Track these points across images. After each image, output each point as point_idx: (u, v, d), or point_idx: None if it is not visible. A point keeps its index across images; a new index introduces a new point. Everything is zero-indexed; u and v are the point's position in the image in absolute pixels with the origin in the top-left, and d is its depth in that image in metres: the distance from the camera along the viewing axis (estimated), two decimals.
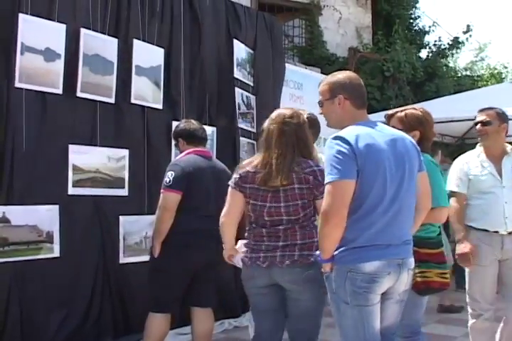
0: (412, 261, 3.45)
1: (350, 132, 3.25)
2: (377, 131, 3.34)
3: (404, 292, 3.46)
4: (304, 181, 3.71)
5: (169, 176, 4.60)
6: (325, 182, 3.22)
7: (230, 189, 3.87)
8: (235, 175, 3.84)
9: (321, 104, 3.55)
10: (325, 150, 3.27)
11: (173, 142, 5.22)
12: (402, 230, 3.40)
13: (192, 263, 4.69)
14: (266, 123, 3.89)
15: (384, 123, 3.81)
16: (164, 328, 4.74)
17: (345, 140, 3.18)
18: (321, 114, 3.59)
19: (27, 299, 4.93)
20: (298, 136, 3.81)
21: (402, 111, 4.11)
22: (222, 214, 3.90)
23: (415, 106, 4.19)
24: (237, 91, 6.95)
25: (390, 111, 4.24)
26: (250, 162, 3.85)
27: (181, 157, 4.87)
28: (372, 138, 3.26)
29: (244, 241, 3.87)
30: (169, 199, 4.61)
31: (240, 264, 3.90)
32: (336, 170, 3.15)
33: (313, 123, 4.82)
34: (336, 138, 3.22)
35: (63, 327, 5.10)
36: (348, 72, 3.63)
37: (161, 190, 4.62)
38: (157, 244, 4.64)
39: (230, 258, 3.98)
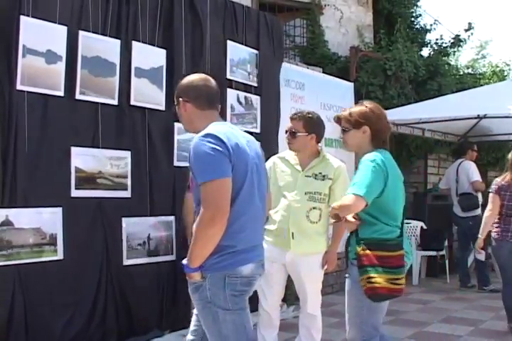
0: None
1: (218, 130, 3.24)
2: (236, 131, 3.39)
3: None
4: None
5: None
6: (202, 181, 3.12)
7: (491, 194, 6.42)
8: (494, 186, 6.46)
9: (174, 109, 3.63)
10: (194, 148, 3.20)
11: None
12: (261, 230, 3.49)
13: None
14: None
15: None
16: None
17: (217, 137, 3.16)
18: None
19: (31, 302, 4.93)
20: None
21: (346, 110, 4.14)
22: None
23: (369, 102, 4.17)
24: (231, 92, 6.92)
25: (338, 114, 4.27)
26: (504, 177, 6.49)
27: None
28: (236, 137, 3.29)
29: None
30: None
31: None
32: (214, 169, 3.10)
33: (317, 122, 4.86)
34: (206, 135, 3.18)
35: (67, 329, 5.10)
36: (197, 74, 3.64)
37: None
38: None
39: None
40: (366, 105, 4.08)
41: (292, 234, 4.84)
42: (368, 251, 3.78)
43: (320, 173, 4.87)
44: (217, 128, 3.27)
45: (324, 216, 4.88)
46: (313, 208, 4.83)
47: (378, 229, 3.87)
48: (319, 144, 5.05)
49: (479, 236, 6.75)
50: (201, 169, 3.15)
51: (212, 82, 3.55)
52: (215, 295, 3.23)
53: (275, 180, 4.96)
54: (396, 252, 3.83)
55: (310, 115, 4.95)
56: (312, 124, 4.89)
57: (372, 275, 3.75)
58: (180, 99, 3.47)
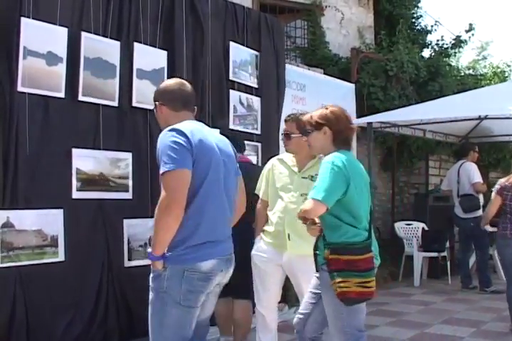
0: (234, 256, 3.66)
1: (184, 126, 3.44)
2: (206, 130, 3.60)
3: (222, 284, 3.64)
4: None
5: None
6: (162, 171, 3.29)
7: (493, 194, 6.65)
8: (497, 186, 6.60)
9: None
10: (159, 141, 3.43)
11: None
12: (227, 226, 3.62)
13: None
14: None
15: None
16: (249, 313, 5.37)
17: (182, 132, 3.36)
18: None
19: (32, 303, 4.92)
20: None
21: (308, 113, 4.27)
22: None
23: (332, 105, 4.25)
24: (233, 93, 6.93)
25: (301, 117, 4.42)
26: (508, 178, 6.61)
27: None
28: (203, 134, 3.48)
29: None
30: None
31: None
32: (173, 160, 3.26)
33: None
34: (172, 130, 3.40)
35: (69, 331, 5.09)
36: (173, 79, 3.96)
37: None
38: None
39: None
40: (327, 107, 4.17)
41: (288, 235, 4.83)
42: (336, 256, 3.79)
43: (316, 175, 4.84)
44: (184, 124, 3.47)
45: (320, 217, 4.86)
46: None
47: (345, 232, 3.86)
48: None
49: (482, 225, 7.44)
50: (163, 160, 3.31)
51: (187, 85, 3.77)
52: (170, 286, 3.34)
53: (273, 181, 4.97)
54: (364, 255, 3.83)
55: (323, 109, 4.92)
56: (327, 118, 4.86)
57: (341, 279, 3.76)
58: (157, 103, 3.72)
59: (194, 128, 3.46)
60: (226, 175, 3.56)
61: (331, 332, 4.06)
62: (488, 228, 7.81)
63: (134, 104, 5.73)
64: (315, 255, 4.05)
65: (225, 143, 3.70)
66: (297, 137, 4.81)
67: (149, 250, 3.39)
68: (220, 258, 3.45)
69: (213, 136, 3.61)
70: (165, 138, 3.38)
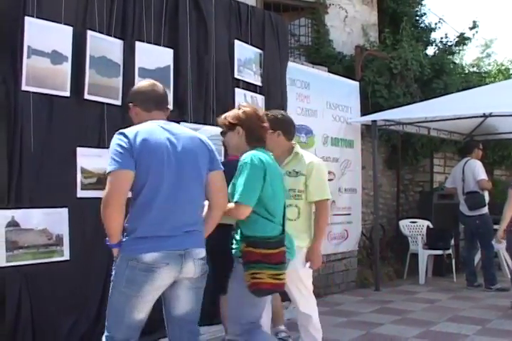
0: (199, 251, 3.71)
1: (132, 128, 3.63)
2: (162, 129, 3.70)
3: (197, 279, 3.74)
4: None
5: None
6: (107, 171, 3.55)
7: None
8: None
9: None
10: (111, 144, 3.63)
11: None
12: (184, 221, 3.65)
13: None
14: None
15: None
16: (277, 302, 5.46)
17: (125, 134, 3.56)
18: None
19: (38, 302, 4.92)
20: None
21: (223, 115, 4.39)
22: None
23: (246, 105, 4.48)
24: (239, 91, 6.94)
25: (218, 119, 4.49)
26: None
27: None
28: (152, 134, 3.61)
29: None
30: None
31: None
32: (114, 162, 3.50)
33: (280, 119, 5.00)
34: (119, 133, 3.61)
35: (74, 330, 5.09)
36: (146, 80, 4.11)
37: None
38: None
39: None
40: (240, 108, 4.33)
41: None
42: (251, 249, 3.97)
43: (293, 170, 4.96)
44: (138, 126, 3.68)
45: (303, 213, 4.93)
46: (289, 205, 4.84)
47: (261, 226, 4.05)
48: (293, 142, 5.11)
49: (499, 229, 7.20)
50: (108, 162, 3.55)
51: (159, 86, 3.98)
52: (117, 272, 3.62)
53: None
54: (278, 249, 4.01)
55: (272, 114, 5.01)
56: (275, 122, 4.92)
57: (256, 271, 3.94)
58: (130, 104, 3.91)
59: (144, 129, 3.63)
60: (183, 170, 3.66)
61: (228, 321, 4.33)
62: (500, 246, 7.75)
63: None
64: (231, 248, 4.19)
65: (193, 140, 3.79)
66: (268, 134, 4.90)
67: (107, 238, 3.63)
68: (166, 252, 3.55)
69: (171, 133, 3.70)
70: (112, 141, 3.61)
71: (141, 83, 4.02)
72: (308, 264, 4.93)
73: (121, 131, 3.63)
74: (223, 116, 4.34)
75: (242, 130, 4.22)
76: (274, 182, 4.14)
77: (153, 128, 3.67)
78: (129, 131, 3.59)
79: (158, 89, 3.94)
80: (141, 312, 3.64)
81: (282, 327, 5.89)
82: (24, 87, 4.90)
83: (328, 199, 4.99)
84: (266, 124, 4.33)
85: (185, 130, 3.87)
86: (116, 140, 3.57)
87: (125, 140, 3.54)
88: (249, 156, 4.07)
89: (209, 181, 3.81)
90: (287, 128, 5.02)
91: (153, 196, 3.55)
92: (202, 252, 3.75)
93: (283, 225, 4.21)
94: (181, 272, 3.63)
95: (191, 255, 3.66)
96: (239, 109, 4.32)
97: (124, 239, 3.59)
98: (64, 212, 5.10)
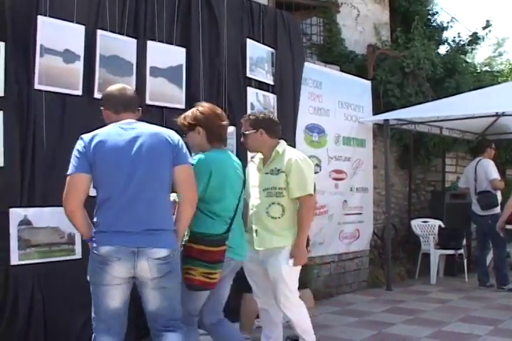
0: (157, 251, 3.73)
1: (92, 132, 3.81)
2: (122, 130, 3.83)
3: (160, 279, 3.78)
4: None
5: None
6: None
7: None
8: None
9: None
10: None
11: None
12: (141, 219, 3.74)
13: None
14: None
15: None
16: (308, 303, 5.52)
17: (82, 139, 3.78)
18: None
19: (50, 300, 4.95)
20: None
21: (182, 115, 4.52)
22: None
23: (203, 104, 4.55)
24: (251, 90, 6.94)
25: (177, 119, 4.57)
26: None
27: None
28: (109, 135, 3.78)
29: None
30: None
31: None
32: (71, 166, 3.74)
33: (263, 118, 5.05)
34: (79, 138, 3.82)
35: (86, 328, 5.07)
36: (116, 84, 4.25)
37: None
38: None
39: None
40: (198, 108, 4.44)
41: (256, 231, 4.97)
42: (191, 244, 4.11)
43: (275, 168, 5.01)
44: (98, 130, 3.85)
45: (288, 210, 4.93)
46: (272, 203, 4.92)
47: (203, 223, 4.18)
48: (279, 140, 5.13)
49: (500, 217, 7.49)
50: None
51: (129, 90, 4.15)
52: (89, 263, 3.85)
53: (248, 181, 5.07)
54: (218, 248, 4.12)
55: (252, 114, 5.12)
56: (257, 121, 5.01)
57: (190, 267, 4.10)
58: (102, 108, 4.09)
59: (102, 132, 3.80)
60: (144, 168, 3.75)
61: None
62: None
63: (148, 101, 5.72)
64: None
65: (155, 137, 3.85)
66: (251, 133, 4.99)
67: None
68: (118, 246, 3.68)
69: (131, 133, 3.81)
70: (75, 146, 3.83)
71: (110, 88, 4.16)
72: (291, 261, 4.90)
73: (81, 135, 3.82)
74: (182, 116, 4.46)
75: (202, 129, 4.34)
76: (224, 181, 4.26)
77: (111, 130, 3.83)
78: (87, 136, 3.79)
79: (126, 92, 4.10)
80: (113, 300, 3.80)
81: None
82: (37, 86, 4.92)
83: (311, 194, 4.94)
84: (225, 122, 4.45)
85: (149, 127, 3.94)
86: (76, 145, 3.79)
87: (82, 144, 3.75)
88: (197, 157, 4.27)
89: (174, 176, 3.88)
90: (269, 126, 5.04)
91: (110, 194, 3.74)
92: (160, 252, 3.76)
93: (229, 225, 4.27)
94: (136, 269, 3.72)
95: (145, 254, 3.71)
96: (197, 109, 4.42)
97: (93, 233, 3.83)
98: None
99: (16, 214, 4.81)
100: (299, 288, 5.22)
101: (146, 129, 3.90)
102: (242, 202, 4.56)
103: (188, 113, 4.44)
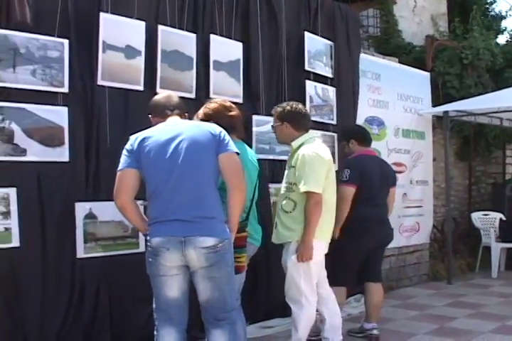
0: (204, 239, 3.74)
1: (140, 132, 3.98)
2: (166, 127, 4.00)
3: (209, 269, 3.81)
4: None
5: (345, 173, 5.63)
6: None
7: None
8: None
9: None
10: None
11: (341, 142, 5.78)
12: (187, 209, 3.79)
13: (365, 245, 5.69)
14: None
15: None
16: (339, 299, 5.38)
17: (130, 138, 3.97)
18: None
19: (115, 293, 5.06)
20: None
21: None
22: None
23: (214, 101, 4.66)
24: (310, 84, 6.92)
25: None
26: None
27: (354, 157, 5.87)
28: (153, 132, 3.94)
29: None
30: (346, 192, 5.53)
31: None
32: (121, 163, 3.91)
33: (289, 111, 5.06)
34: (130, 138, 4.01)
35: (151, 320, 5.12)
36: (163, 93, 4.46)
37: (339, 184, 5.28)
38: (337, 230, 5.41)
39: None
40: (207, 105, 4.58)
41: (276, 224, 5.00)
42: None
43: (290, 163, 4.96)
44: (146, 130, 4.01)
45: (300, 205, 4.83)
46: (286, 198, 4.91)
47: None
48: (306, 134, 5.04)
49: None
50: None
51: (174, 96, 4.29)
52: (145, 256, 3.93)
53: None
54: (240, 234, 4.16)
55: (280, 106, 5.10)
56: (284, 113, 5.01)
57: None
58: (150, 116, 4.24)
59: (148, 131, 3.97)
60: (188, 160, 3.82)
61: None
62: None
63: (212, 95, 5.74)
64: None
65: (197, 129, 3.96)
66: (277, 126, 5.02)
67: None
68: (167, 237, 3.76)
69: (172, 130, 3.93)
70: None
71: (156, 96, 4.34)
72: (294, 257, 4.81)
73: (130, 136, 4.01)
74: (195, 115, 4.55)
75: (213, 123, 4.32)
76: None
77: (155, 128, 4.01)
78: (134, 135, 3.97)
79: (173, 98, 4.26)
80: (171, 290, 3.89)
81: (374, 324, 5.90)
82: (100, 82, 5.00)
83: (314, 192, 4.76)
84: (234, 113, 4.55)
85: (192, 122, 4.17)
86: (126, 144, 3.97)
87: (129, 143, 3.94)
88: None
89: (220, 164, 3.91)
90: (295, 119, 4.99)
91: (155, 187, 3.84)
92: (207, 241, 3.76)
93: (248, 213, 4.39)
94: (185, 258, 3.77)
95: (192, 243, 3.73)
96: (206, 107, 4.56)
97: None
98: (139, 204, 5.16)
99: (82, 208, 4.91)
100: (334, 285, 5.28)
101: (188, 123, 4.06)
102: (258, 191, 4.62)
103: (200, 110, 4.54)
